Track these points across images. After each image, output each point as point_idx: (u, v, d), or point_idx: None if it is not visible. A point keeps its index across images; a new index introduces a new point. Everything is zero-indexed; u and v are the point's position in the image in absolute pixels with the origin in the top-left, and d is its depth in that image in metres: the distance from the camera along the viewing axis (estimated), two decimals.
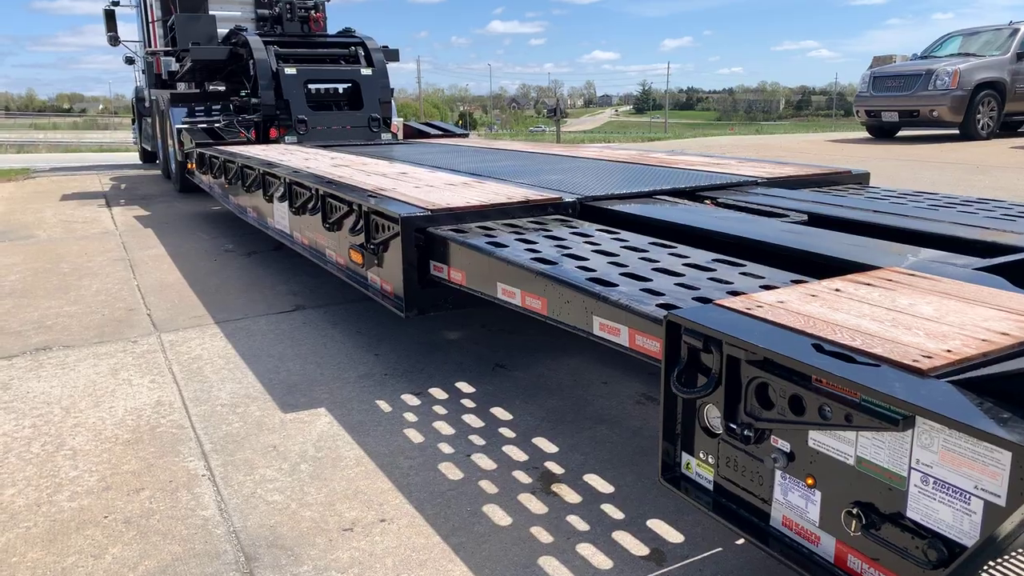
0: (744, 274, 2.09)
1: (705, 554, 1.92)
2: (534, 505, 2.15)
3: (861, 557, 1.31)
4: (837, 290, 1.72)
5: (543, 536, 2.01)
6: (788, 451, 1.42)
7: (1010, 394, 1.18)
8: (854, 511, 1.29)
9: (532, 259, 2.31)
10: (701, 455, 1.63)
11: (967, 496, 1.14)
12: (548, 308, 2.18)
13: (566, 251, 2.39)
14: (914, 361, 1.28)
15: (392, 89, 7.90)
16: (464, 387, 3.00)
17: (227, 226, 6.80)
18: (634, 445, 2.51)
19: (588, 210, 3.13)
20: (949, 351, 1.32)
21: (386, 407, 2.83)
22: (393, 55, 8.15)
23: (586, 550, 1.94)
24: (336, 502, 2.19)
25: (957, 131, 12.58)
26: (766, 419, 1.44)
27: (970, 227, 2.58)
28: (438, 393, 2.95)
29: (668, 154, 4.88)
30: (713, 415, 1.59)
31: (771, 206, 3.06)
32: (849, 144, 13.11)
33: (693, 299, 1.87)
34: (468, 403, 2.85)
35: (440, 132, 7.89)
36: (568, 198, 3.13)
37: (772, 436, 1.45)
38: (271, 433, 2.65)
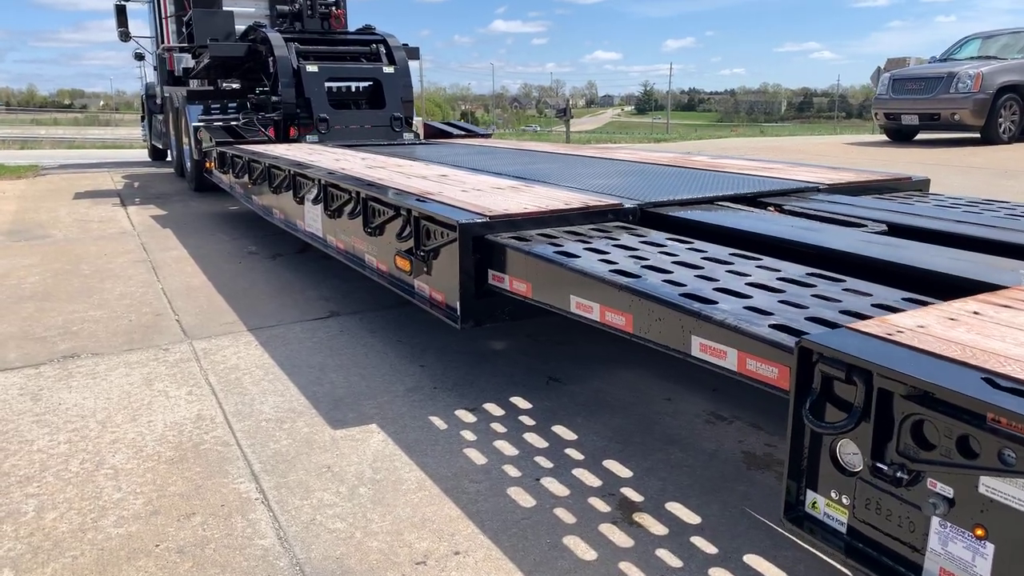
0: (848, 290, 1.94)
1: None
2: (618, 537, 2.00)
3: None
4: (976, 313, 1.57)
5: (634, 573, 1.86)
6: (951, 497, 1.27)
7: None
8: None
9: (611, 271, 2.16)
10: (833, 495, 1.48)
11: None
12: (634, 325, 2.03)
13: (643, 262, 2.24)
14: None
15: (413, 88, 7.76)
16: (520, 402, 2.85)
17: (247, 227, 6.66)
18: (712, 470, 2.36)
19: (649, 216, 2.98)
20: None
21: (441, 424, 2.68)
22: (414, 53, 8.00)
23: None
24: (403, 531, 2.04)
25: (978, 135, 12.41)
26: (924, 460, 1.29)
27: None
28: (493, 409, 2.80)
29: (712, 158, 4.73)
30: (849, 451, 1.44)
31: (843, 214, 2.91)
32: (869, 147, 12.95)
33: (806, 319, 1.72)
34: (527, 420, 2.70)
35: (463, 132, 7.74)
36: (628, 204, 2.98)
37: (929, 479, 1.30)
38: (323, 452, 2.50)
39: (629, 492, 2.23)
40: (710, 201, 3.17)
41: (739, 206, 3.16)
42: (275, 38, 7.28)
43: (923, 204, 3.21)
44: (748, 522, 2.07)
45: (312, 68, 7.12)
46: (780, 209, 3.13)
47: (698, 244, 2.47)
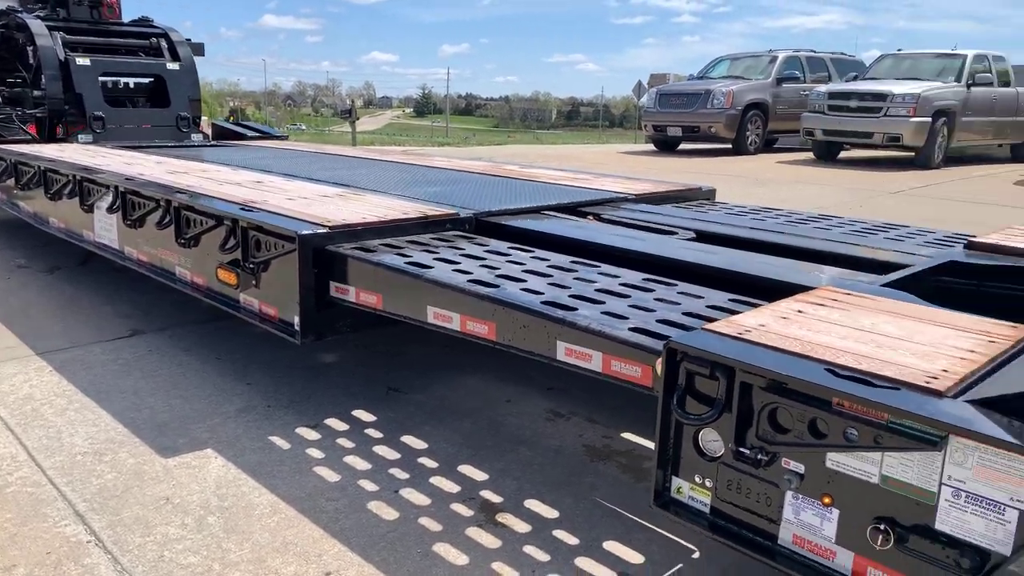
0: (683, 294, 2.14)
1: (671, 571, 1.94)
2: (485, 539, 2.07)
3: (882, 569, 1.38)
4: (800, 311, 1.81)
5: (507, 572, 1.93)
6: (802, 472, 1.47)
7: (1021, 411, 1.30)
8: (881, 527, 1.36)
9: (469, 281, 2.22)
10: (696, 479, 1.64)
11: (1002, 507, 1.24)
12: (497, 333, 2.10)
13: (495, 271, 2.32)
14: (927, 383, 1.38)
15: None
16: (363, 415, 2.82)
17: (10, 236, 5.91)
18: (560, 465, 2.49)
19: (484, 225, 3.07)
20: (946, 371, 1.44)
21: (283, 444, 2.59)
22: (199, 49, 7.51)
23: None
24: (266, 557, 1.96)
25: (731, 146, 13.92)
26: (781, 442, 1.48)
27: (844, 244, 2.84)
28: (336, 424, 2.74)
29: (521, 167, 4.93)
30: (710, 439, 1.61)
31: (656, 223, 3.18)
32: (641, 156, 14.07)
33: (657, 321, 1.89)
34: (374, 433, 2.68)
35: (257, 134, 7.39)
36: (464, 213, 3.04)
37: (783, 459, 1.49)
38: (157, 483, 2.32)
39: (488, 494, 2.29)
40: (537, 211, 3.32)
41: (563, 215, 3.34)
42: (36, 25, 6.52)
43: (717, 212, 3.59)
44: (601, 511, 2.22)
45: (83, 61, 6.46)
46: (598, 218, 3.36)
47: (539, 252, 2.59)
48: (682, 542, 2.07)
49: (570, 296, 2.08)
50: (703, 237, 2.98)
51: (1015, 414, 1.29)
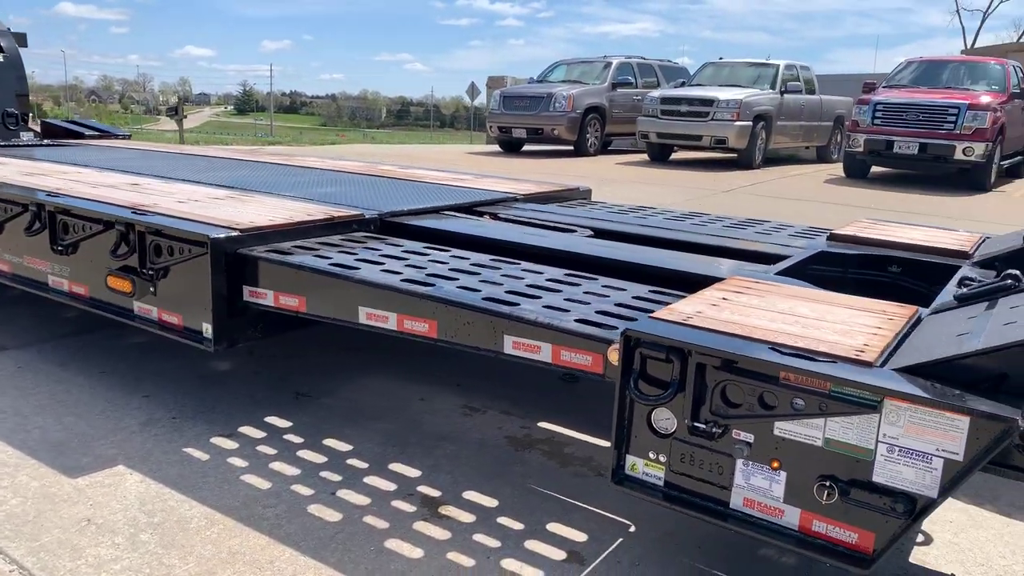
0: (607, 287, 2.30)
1: (613, 545, 2.09)
2: (434, 531, 2.12)
3: (826, 521, 1.59)
4: (725, 299, 2.00)
5: (463, 560, 2.00)
6: (751, 441, 1.65)
7: (940, 376, 1.54)
8: (826, 484, 1.56)
9: (403, 280, 2.25)
10: (650, 456, 1.79)
11: (929, 457, 1.47)
12: (439, 331, 2.15)
13: (422, 270, 2.37)
14: (857, 355, 1.60)
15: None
16: (277, 422, 2.76)
17: None
18: (487, 456, 2.57)
19: (388, 226, 3.09)
20: (867, 345, 1.67)
21: (201, 455, 2.50)
22: (23, 39, 6.86)
23: (512, 565, 1.99)
24: (216, 570, 1.91)
25: (573, 148, 14.49)
26: (733, 416, 1.65)
27: (726, 238, 3.12)
28: (252, 432, 2.68)
29: (399, 167, 4.94)
30: (663, 417, 1.76)
31: (553, 221, 3.33)
32: (491, 157, 14.31)
33: (597, 312, 2.03)
34: (293, 438, 2.64)
35: (97, 133, 6.85)
36: (369, 214, 3.05)
37: (734, 430, 1.67)
38: (72, 505, 2.18)
39: (426, 489, 2.34)
40: (436, 211, 3.38)
41: (461, 215, 3.42)
42: None
43: (601, 211, 3.80)
44: (537, 497, 2.33)
45: None
46: (496, 217, 3.47)
47: (457, 251, 2.66)
48: (617, 518, 2.22)
49: (506, 292, 2.18)
50: (600, 234, 3.16)
51: (932, 378, 1.53)
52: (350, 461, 2.49)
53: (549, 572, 1.96)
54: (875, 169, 12.44)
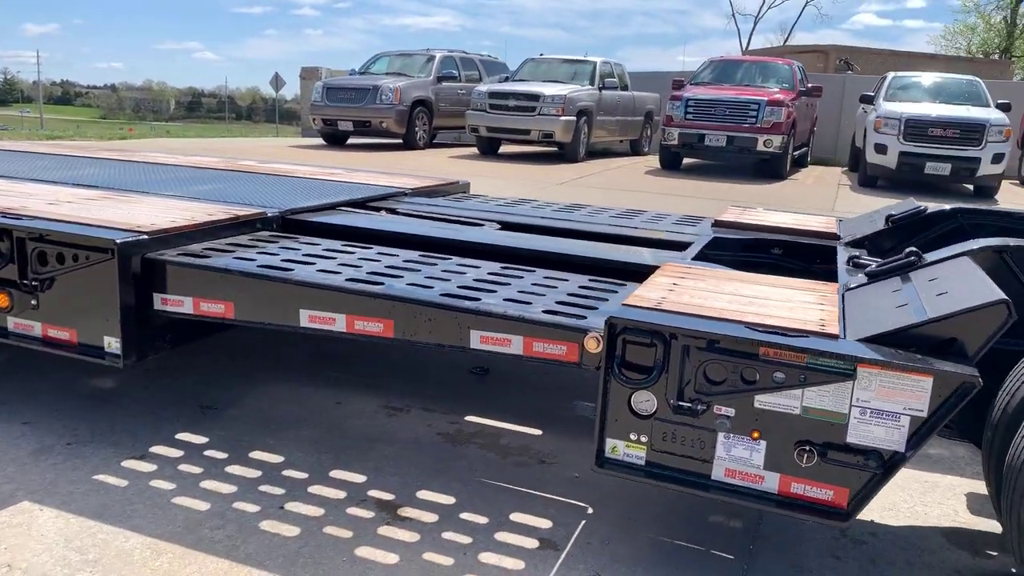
0: (549, 278, 2.35)
1: (578, 528, 2.15)
2: (401, 534, 2.08)
3: (804, 482, 1.74)
4: (675, 284, 2.12)
5: (441, 559, 1.98)
6: (732, 415, 1.77)
7: (898, 344, 1.73)
8: (805, 448, 1.71)
9: (348, 280, 2.18)
10: (631, 437, 1.86)
11: (897, 416, 1.65)
12: (396, 329, 2.10)
13: (359, 268, 2.30)
14: (822, 329, 1.76)
15: None
16: (190, 438, 2.56)
17: None
18: (427, 454, 2.54)
19: (290, 223, 2.95)
20: (823, 319, 1.84)
21: (117, 481, 2.27)
22: None
23: (490, 558, 1.99)
24: None
25: (401, 141, 14.35)
26: (716, 393, 1.76)
27: (621, 227, 3.27)
28: (166, 451, 2.47)
29: (259, 162, 4.69)
30: (642, 400, 1.84)
31: (454, 215, 3.33)
32: (315, 150, 13.83)
33: (557, 303, 2.08)
34: (215, 454, 2.46)
35: None
36: (271, 212, 2.89)
37: (715, 407, 1.78)
38: None
39: (377, 493, 2.28)
40: (333, 207, 3.26)
41: (357, 210, 3.32)
42: None
43: (491, 204, 3.83)
44: (490, 489, 2.34)
45: None
46: (393, 212, 3.40)
47: (381, 248, 2.60)
48: (574, 503, 2.29)
49: (459, 287, 2.17)
50: (508, 227, 3.21)
51: (892, 346, 1.72)
52: (287, 472, 2.37)
53: (528, 560, 1.99)
54: (685, 160, 13.39)
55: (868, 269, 2.28)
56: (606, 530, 2.15)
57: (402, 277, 2.24)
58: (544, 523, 2.17)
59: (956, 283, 1.86)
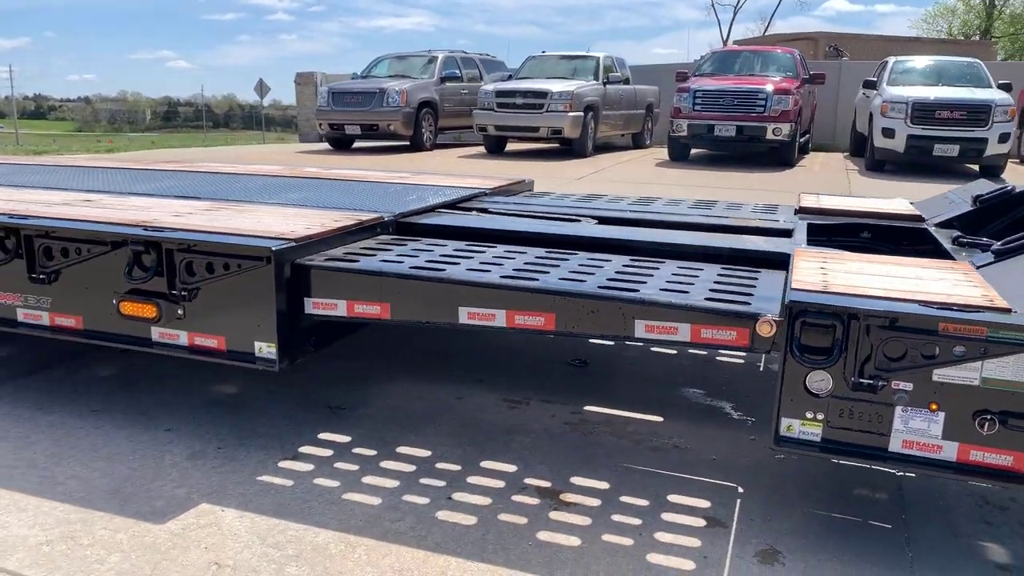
0: (684, 268, 2.44)
1: (736, 506, 2.25)
2: (573, 519, 2.17)
3: (983, 449, 1.84)
4: (823, 269, 2.21)
5: (620, 540, 2.07)
6: (911, 389, 1.86)
7: None
8: (987, 417, 1.81)
9: (502, 276, 2.26)
10: (807, 415, 1.95)
11: None
12: (557, 322, 2.18)
13: (500, 266, 2.39)
14: (991, 303, 1.86)
15: None
16: (333, 437, 2.64)
17: None
18: (564, 444, 2.63)
19: (402, 226, 3.03)
20: (987, 295, 1.94)
21: (282, 481, 2.34)
22: None
23: (666, 537, 2.09)
24: None
25: (408, 143, 14.41)
26: (896, 369, 1.86)
27: (717, 217, 3.37)
28: (315, 451, 2.54)
29: (321, 168, 4.76)
30: (817, 379, 1.93)
31: (547, 212, 3.41)
32: (323, 155, 13.88)
33: (711, 291, 2.17)
34: (364, 451, 2.54)
35: None
36: (387, 216, 2.97)
37: (893, 382, 1.87)
38: (184, 551, 1.98)
39: (534, 481, 2.37)
40: (432, 209, 3.34)
41: (454, 211, 3.40)
42: None
43: (570, 201, 3.91)
44: (637, 474, 2.43)
45: None
46: (485, 211, 3.48)
47: (508, 247, 2.68)
48: (724, 483, 2.38)
49: (608, 280, 2.25)
50: (602, 221, 3.29)
51: None
52: (440, 465, 2.45)
53: (702, 538, 2.08)
54: (693, 151, 13.52)
55: (993, 247, 2.39)
56: (762, 507, 2.25)
57: (549, 272, 2.33)
58: (702, 503, 2.26)
59: None
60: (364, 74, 15.93)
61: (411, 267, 2.36)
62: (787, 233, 3.01)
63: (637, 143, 16.64)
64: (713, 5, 46.56)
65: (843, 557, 2.02)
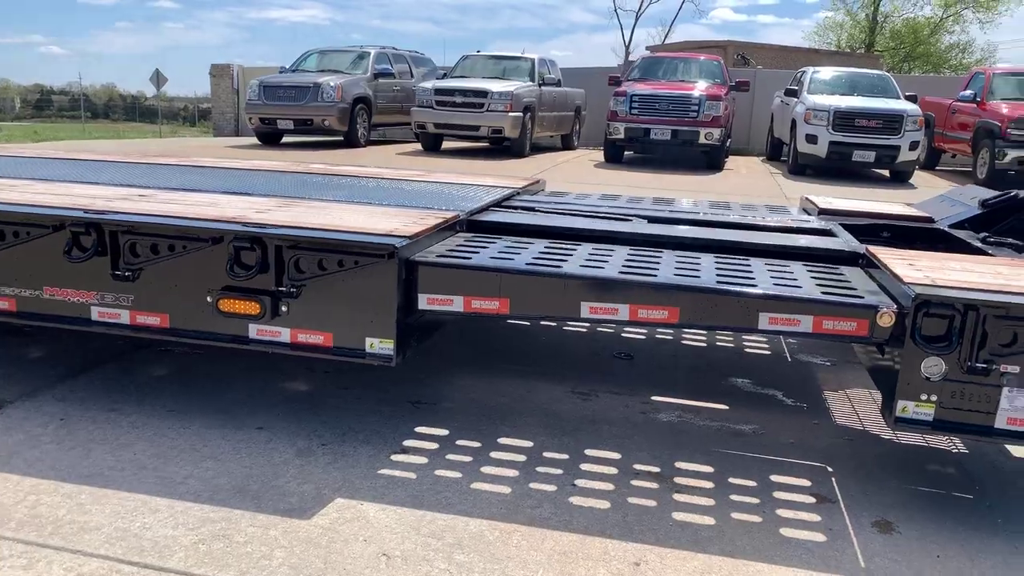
0: (774, 265, 2.62)
1: (834, 483, 2.44)
2: (697, 500, 2.31)
3: None
4: (912, 265, 2.43)
5: (749, 517, 2.22)
6: (1018, 372, 2.10)
7: None
8: None
9: (621, 273, 2.38)
10: (921, 398, 2.16)
11: None
12: (681, 316, 2.31)
13: (604, 262, 2.50)
14: None
15: None
16: (431, 431, 2.68)
17: None
18: (649, 431, 2.76)
19: (472, 224, 3.09)
20: None
21: (404, 474, 2.38)
22: None
23: (786, 513, 2.26)
24: (575, 571, 1.93)
25: (343, 138, 14.20)
26: (1007, 353, 2.08)
27: (752, 218, 3.57)
28: (420, 444, 2.58)
29: (328, 166, 4.72)
30: (931, 364, 2.14)
31: (591, 211, 3.54)
32: (253, 150, 13.48)
33: (819, 286, 2.35)
34: (469, 443, 2.60)
35: None
36: (461, 215, 3.02)
37: (1002, 365, 2.10)
38: (347, 543, 2.00)
39: (642, 467, 2.49)
40: (486, 208, 3.40)
41: (507, 210, 3.48)
42: None
43: (592, 199, 4.05)
44: (731, 457, 2.59)
45: None
46: (531, 210, 3.57)
47: (594, 245, 2.79)
48: (812, 463, 2.57)
49: (719, 276, 2.41)
50: (653, 220, 3.44)
51: None
52: (547, 454, 2.54)
53: (819, 512, 2.26)
54: (626, 153, 13.92)
55: None
56: (856, 484, 2.45)
57: (656, 268, 2.46)
58: (803, 482, 2.45)
59: None
60: (293, 68, 15.58)
61: (527, 263, 2.44)
62: (829, 233, 3.24)
63: (566, 144, 16.92)
64: (616, 10, 47.68)
65: (946, 523, 2.24)
